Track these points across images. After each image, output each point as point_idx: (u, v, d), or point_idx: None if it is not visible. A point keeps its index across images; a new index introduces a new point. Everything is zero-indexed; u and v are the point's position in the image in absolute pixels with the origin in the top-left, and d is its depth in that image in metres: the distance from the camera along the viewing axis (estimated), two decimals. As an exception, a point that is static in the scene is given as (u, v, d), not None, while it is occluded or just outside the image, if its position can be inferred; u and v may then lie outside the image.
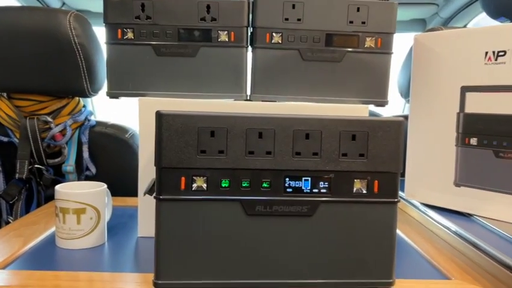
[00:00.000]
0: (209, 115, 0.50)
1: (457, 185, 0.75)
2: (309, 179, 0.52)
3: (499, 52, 0.69)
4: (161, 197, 0.50)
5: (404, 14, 1.58)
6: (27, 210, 0.96)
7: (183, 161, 0.50)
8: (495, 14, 1.01)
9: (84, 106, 1.01)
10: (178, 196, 0.50)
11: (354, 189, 0.52)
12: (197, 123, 0.50)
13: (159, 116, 0.50)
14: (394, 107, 1.68)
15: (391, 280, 0.53)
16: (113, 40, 0.71)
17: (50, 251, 0.64)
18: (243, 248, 0.51)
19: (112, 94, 0.73)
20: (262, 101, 0.72)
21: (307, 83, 0.72)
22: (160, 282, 0.50)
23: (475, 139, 0.72)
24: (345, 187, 0.52)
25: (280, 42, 0.71)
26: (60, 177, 0.98)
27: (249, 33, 0.72)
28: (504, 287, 0.55)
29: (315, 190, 0.52)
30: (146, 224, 0.71)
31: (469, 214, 0.74)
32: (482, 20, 1.49)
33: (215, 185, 0.51)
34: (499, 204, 0.70)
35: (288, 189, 0.51)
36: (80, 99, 1.01)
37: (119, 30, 0.71)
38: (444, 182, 0.76)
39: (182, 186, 0.50)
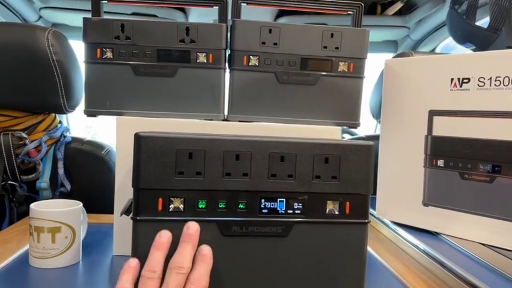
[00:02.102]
0: (187, 137, 0.51)
1: (425, 204, 0.78)
2: (284, 200, 0.53)
3: (463, 79, 0.72)
4: (138, 218, 0.51)
5: (376, 35, 1.64)
6: (-2, 227, 0.95)
7: (161, 183, 0.51)
8: (461, 40, 1.06)
9: (60, 122, 1.01)
10: (155, 217, 0.51)
11: (327, 210, 0.54)
12: (175, 145, 0.51)
13: (138, 138, 0.50)
14: (367, 124, 1.72)
15: (362, 298, 0.55)
16: (92, 59, 0.72)
17: (23, 271, 0.63)
18: (218, 268, 0.52)
19: (90, 112, 0.73)
20: (239, 121, 0.74)
21: (283, 105, 0.74)
22: (135, 302, 0.51)
23: (442, 161, 0.75)
24: (318, 208, 0.54)
25: (257, 64, 0.73)
26: (34, 193, 0.97)
27: (227, 56, 0.74)
28: (468, 304, 0.57)
29: (290, 211, 0.53)
30: (121, 243, 0.71)
31: (436, 233, 0.77)
32: (451, 42, 1.55)
33: (192, 206, 0.51)
34: (464, 224, 0.73)
35: (264, 210, 0.53)
36: (56, 115, 1.01)
37: (99, 50, 0.72)
38: (414, 202, 0.79)
39: (160, 208, 0.51)
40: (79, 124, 1.85)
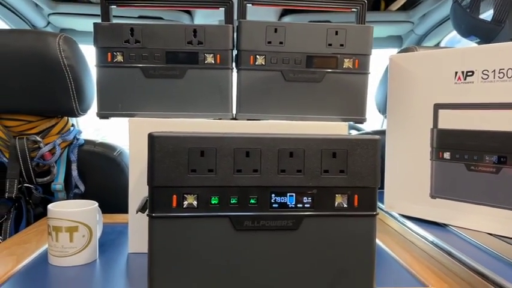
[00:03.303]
0: (199, 136, 0.53)
1: (433, 196, 0.79)
2: (294, 194, 0.55)
3: (467, 72, 0.74)
4: (153, 214, 0.53)
5: (381, 31, 1.65)
6: (16, 229, 0.97)
7: (174, 180, 0.53)
8: (465, 33, 1.07)
9: (73, 125, 1.03)
10: (170, 213, 0.53)
11: (336, 203, 0.56)
12: (187, 144, 0.53)
13: (151, 137, 0.52)
14: (373, 120, 1.73)
15: (372, 289, 0.57)
16: (103, 63, 0.74)
17: (43, 269, 0.66)
18: (232, 262, 0.54)
19: (102, 115, 0.75)
20: (247, 119, 0.76)
21: (290, 102, 0.76)
22: (153, 296, 0.53)
23: (448, 153, 0.77)
24: (327, 202, 0.55)
25: (263, 64, 0.75)
26: (49, 195, 0.99)
27: (234, 56, 0.76)
28: (477, 293, 0.59)
29: (299, 205, 0.55)
30: (136, 240, 0.73)
31: (444, 224, 0.78)
32: (457, 35, 1.56)
33: (205, 202, 0.53)
34: (471, 214, 0.75)
35: (274, 205, 0.55)
36: (69, 118, 1.03)
37: (109, 54, 0.74)
38: (421, 194, 0.80)
39: (174, 204, 0.53)
40: (87, 126, 1.88)
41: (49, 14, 1.47)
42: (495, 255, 0.64)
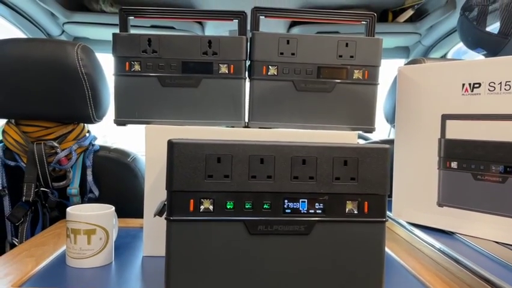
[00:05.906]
0: (216, 143, 0.55)
1: (440, 205, 0.81)
2: (306, 200, 0.57)
3: (474, 84, 0.76)
4: (171, 218, 0.55)
5: (389, 42, 1.67)
6: (32, 231, 0.99)
7: (192, 185, 0.55)
8: (472, 45, 1.09)
9: (88, 131, 1.06)
10: (187, 217, 0.55)
11: (347, 209, 0.58)
12: (205, 150, 0.55)
13: (171, 144, 0.55)
14: (381, 130, 1.75)
15: (381, 293, 0.58)
16: (121, 72, 0.77)
17: (62, 270, 0.68)
18: (246, 265, 0.56)
19: (120, 122, 0.78)
20: (259, 128, 0.78)
21: (301, 112, 0.78)
22: (170, 297, 0.55)
23: (455, 163, 0.78)
24: (338, 208, 0.57)
25: (275, 74, 0.77)
26: (65, 199, 1.02)
27: (247, 66, 0.78)
28: (483, 299, 0.60)
29: (311, 211, 0.57)
30: (151, 244, 0.75)
31: (451, 232, 0.80)
32: (463, 46, 1.58)
33: (221, 206, 0.56)
34: (478, 223, 0.76)
35: (287, 210, 0.57)
36: (85, 125, 1.06)
37: (127, 63, 0.76)
38: (429, 202, 0.82)
39: (191, 208, 0.55)
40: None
41: (64, 23, 1.50)
42: (501, 262, 0.66)
